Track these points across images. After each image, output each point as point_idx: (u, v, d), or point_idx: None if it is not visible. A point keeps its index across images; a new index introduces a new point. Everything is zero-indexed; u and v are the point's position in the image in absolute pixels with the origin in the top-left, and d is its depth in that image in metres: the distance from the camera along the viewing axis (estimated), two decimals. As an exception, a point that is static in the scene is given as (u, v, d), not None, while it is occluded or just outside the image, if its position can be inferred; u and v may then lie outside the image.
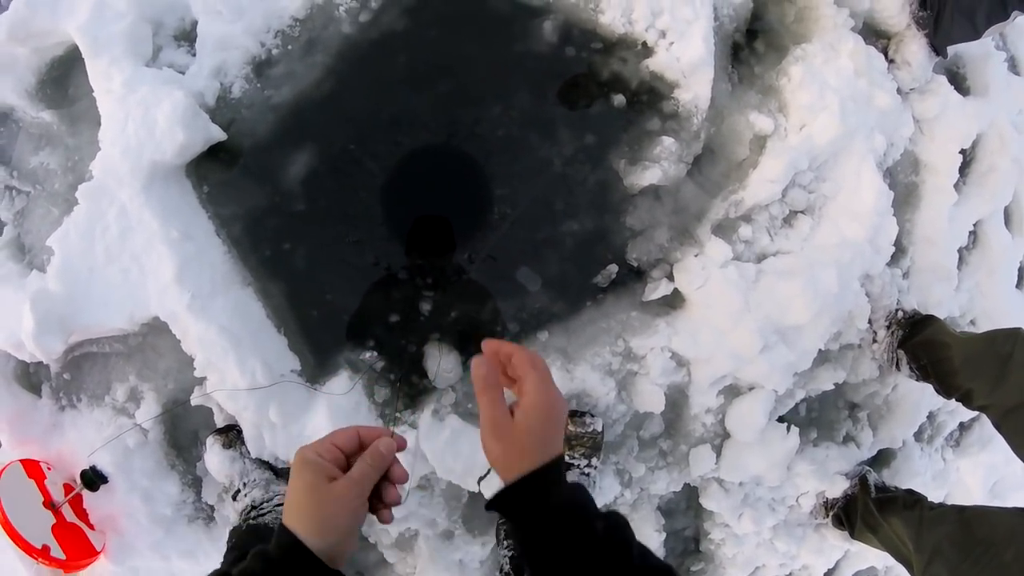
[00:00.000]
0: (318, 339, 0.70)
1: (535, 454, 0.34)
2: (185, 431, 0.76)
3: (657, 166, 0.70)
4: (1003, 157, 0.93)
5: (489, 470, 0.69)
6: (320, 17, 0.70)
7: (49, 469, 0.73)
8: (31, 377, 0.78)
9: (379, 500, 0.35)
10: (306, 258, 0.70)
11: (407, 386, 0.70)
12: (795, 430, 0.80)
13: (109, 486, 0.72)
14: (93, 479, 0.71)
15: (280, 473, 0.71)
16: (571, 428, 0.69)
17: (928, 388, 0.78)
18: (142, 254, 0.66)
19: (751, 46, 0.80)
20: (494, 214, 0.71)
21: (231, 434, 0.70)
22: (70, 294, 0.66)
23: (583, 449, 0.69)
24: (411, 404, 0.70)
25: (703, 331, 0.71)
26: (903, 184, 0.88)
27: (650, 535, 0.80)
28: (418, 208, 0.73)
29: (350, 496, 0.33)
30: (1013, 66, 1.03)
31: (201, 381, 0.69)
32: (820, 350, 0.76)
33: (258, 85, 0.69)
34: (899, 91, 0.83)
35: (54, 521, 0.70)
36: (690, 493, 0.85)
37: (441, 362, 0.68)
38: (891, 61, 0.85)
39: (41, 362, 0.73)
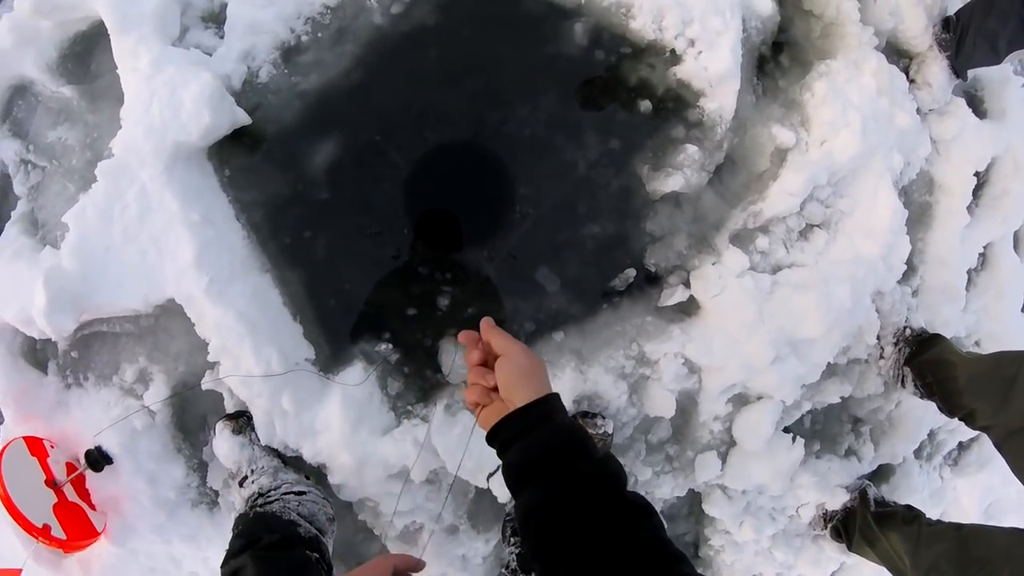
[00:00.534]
0: (334, 329, 0.70)
1: (526, 391, 0.37)
2: (193, 415, 0.76)
3: (680, 173, 0.71)
4: (1016, 181, 0.95)
5: (499, 467, 0.69)
6: (351, 6, 0.70)
7: (52, 447, 0.73)
8: (38, 354, 0.77)
9: None
10: (326, 247, 0.70)
11: (420, 380, 0.70)
12: (800, 441, 0.81)
13: (113, 467, 0.72)
14: (98, 459, 0.71)
15: (288, 462, 0.71)
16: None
17: (930, 406, 0.80)
18: (161, 235, 0.66)
19: (776, 59, 0.81)
20: (516, 213, 0.72)
21: (241, 420, 0.70)
22: (84, 272, 0.66)
23: (592, 450, 0.70)
24: (424, 398, 0.70)
25: (717, 339, 0.72)
26: (917, 203, 0.89)
27: (651, 539, 0.81)
28: (441, 203, 0.74)
29: None
30: (1031, 91, 1.05)
31: (212, 365, 0.69)
32: (829, 363, 0.78)
33: (285, 71, 0.69)
34: (918, 111, 0.85)
35: (55, 500, 0.69)
36: (693, 499, 0.86)
37: (456, 357, 0.69)
38: (912, 81, 0.86)
39: (49, 339, 0.73)
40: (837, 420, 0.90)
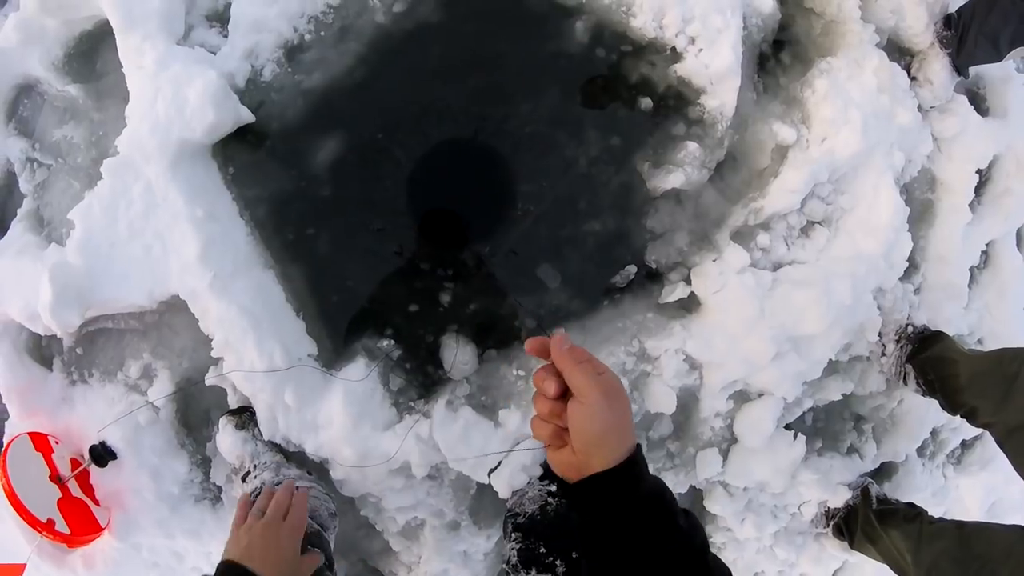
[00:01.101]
0: (336, 325, 0.71)
1: (611, 446, 0.32)
2: (197, 411, 0.77)
3: (680, 170, 0.71)
4: (1019, 179, 0.95)
5: (499, 462, 0.70)
6: (354, 5, 0.71)
7: (57, 443, 0.74)
8: (43, 350, 0.78)
9: None
10: (328, 244, 0.71)
11: (422, 376, 0.71)
12: (801, 438, 0.81)
13: (117, 462, 0.73)
14: (102, 454, 0.72)
15: (291, 457, 0.72)
16: (583, 425, 0.70)
17: (933, 404, 0.80)
18: (165, 232, 0.67)
19: (777, 57, 0.82)
20: (518, 210, 0.72)
21: (244, 415, 0.71)
22: (90, 268, 0.67)
23: (594, 447, 0.70)
24: (425, 394, 0.71)
25: (717, 336, 0.72)
26: (919, 201, 0.89)
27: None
28: (443, 200, 0.74)
29: (290, 538, 0.39)
30: (1034, 89, 1.05)
31: (216, 361, 0.70)
32: (830, 360, 0.78)
33: (289, 69, 0.70)
34: (920, 109, 0.85)
35: (60, 495, 0.70)
36: (694, 496, 0.86)
37: (458, 353, 0.69)
38: (913, 79, 0.86)
39: (53, 335, 0.73)
40: (839, 417, 0.90)
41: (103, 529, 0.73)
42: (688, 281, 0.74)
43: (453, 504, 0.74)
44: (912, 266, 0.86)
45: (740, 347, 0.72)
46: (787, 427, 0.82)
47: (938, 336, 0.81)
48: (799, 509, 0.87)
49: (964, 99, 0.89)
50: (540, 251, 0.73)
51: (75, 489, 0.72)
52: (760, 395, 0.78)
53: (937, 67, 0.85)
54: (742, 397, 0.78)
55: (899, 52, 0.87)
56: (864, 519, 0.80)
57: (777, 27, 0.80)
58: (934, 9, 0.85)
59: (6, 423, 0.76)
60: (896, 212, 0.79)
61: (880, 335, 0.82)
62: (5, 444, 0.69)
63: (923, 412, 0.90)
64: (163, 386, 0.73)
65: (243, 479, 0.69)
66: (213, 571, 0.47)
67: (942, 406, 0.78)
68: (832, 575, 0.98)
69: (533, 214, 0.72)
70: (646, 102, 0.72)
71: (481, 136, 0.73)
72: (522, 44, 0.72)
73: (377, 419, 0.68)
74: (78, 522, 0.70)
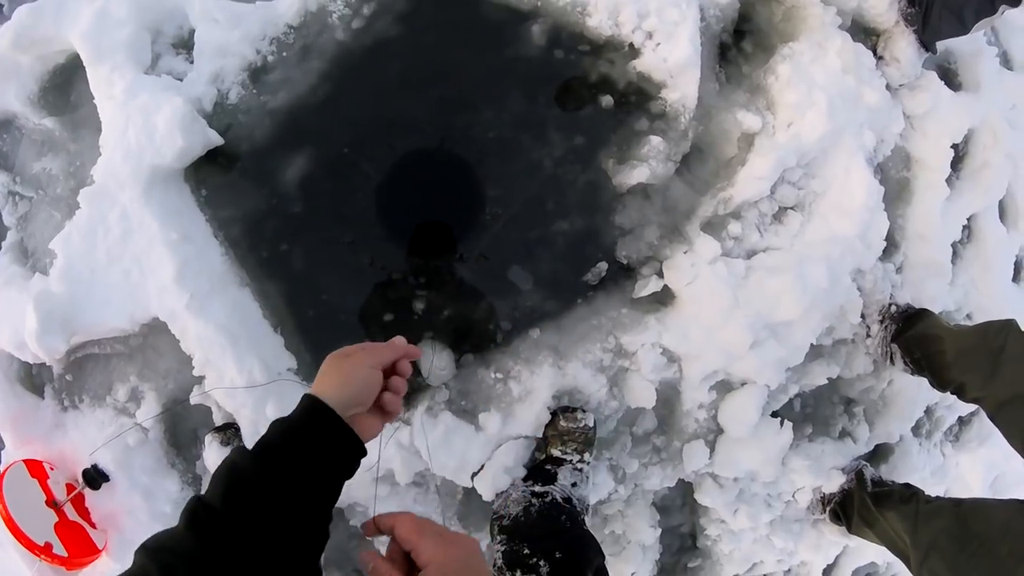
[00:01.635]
0: (314, 338, 0.72)
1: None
2: (185, 430, 0.78)
3: (645, 165, 0.72)
4: (996, 152, 0.95)
5: (483, 466, 0.71)
6: (314, 24, 0.73)
7: (52, 469, 0.76)
8: (34, 378, 0.81)
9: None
10: (302, 259, 0.73)
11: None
12: (788, 425, 0.81)
13: (110, 484, 0.75)
14: (95, 477, 0.74)
15: (278, 470, 0.73)
16: (563, 424, 0.71)
17: (924, 383, 0.80)
18: (142, 256, 0.69)
19: (739, 46, 0.83)
20: (486, 214, 0.74)
21: (229, 432, 0.73)
22: (72, 295, 0.69)
23: (575, 444, 0.71)
24: (405, 402, 0.72)
25: (693, 327, 0.73)
26: (895, 180, 0.89)
27: (645, 531, 0.81)
28: (412, 210, 0.76)
29: (364, 361, 0.39)
30: (1006, 61, 1.05)
31: (200, 381, 0.72)
32: (812, 345, 0.78)
33: (254, 91, 0.72)
34: (889, 88, 0.85)
35: (56, 519, 0.72)
36: (685, 489, 0.86)
37: (434, 360, 0.71)
38: (880, 58, 0.87)
39: (44, 363, 0.76)
40: (828, 402, 0.90)
41: (100, 551, 0.75)
42: (660, 275, 0.75)
43: (440, 510, 0.76)
44: (892, 245, 0.87)
45: (717, 337, 0.73)
46: (775, 414, 0.82)
47: (922, 314, 0.81)
48: (793, 496, 0.87)
49: (934, 75, 0.90)
50: (511, 254, 0.74)
51: (71, 513, 0.74)
52: (742, 384, 0.78)
53: (903, 45, 0.85)
54: (724, 387, 0.79)
55: (864, 32, 0.88)
56: (860, 503, 0.80)
57: (737, 16, 0.81)
58: (897, -14, 0.86)
59: (1, 452, 0.78)
60: (869, 192, 0.79)
61: (863, 316, 0.82)
62: (1, 472, 0.71)
63: (915, 391, 0.90)
64: (150, 407, 0.75)
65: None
66: None
67: (931, 384, 0.78)
68: (834, 560, 0.98)
69: (502, 218, 0.73)
70: (607, 100, 0.74)
71: (446, 144, 0.74)
72: (481, 51, 0.74)
73: (359, 429, 0.70)
74: (75, 545, 0.72)
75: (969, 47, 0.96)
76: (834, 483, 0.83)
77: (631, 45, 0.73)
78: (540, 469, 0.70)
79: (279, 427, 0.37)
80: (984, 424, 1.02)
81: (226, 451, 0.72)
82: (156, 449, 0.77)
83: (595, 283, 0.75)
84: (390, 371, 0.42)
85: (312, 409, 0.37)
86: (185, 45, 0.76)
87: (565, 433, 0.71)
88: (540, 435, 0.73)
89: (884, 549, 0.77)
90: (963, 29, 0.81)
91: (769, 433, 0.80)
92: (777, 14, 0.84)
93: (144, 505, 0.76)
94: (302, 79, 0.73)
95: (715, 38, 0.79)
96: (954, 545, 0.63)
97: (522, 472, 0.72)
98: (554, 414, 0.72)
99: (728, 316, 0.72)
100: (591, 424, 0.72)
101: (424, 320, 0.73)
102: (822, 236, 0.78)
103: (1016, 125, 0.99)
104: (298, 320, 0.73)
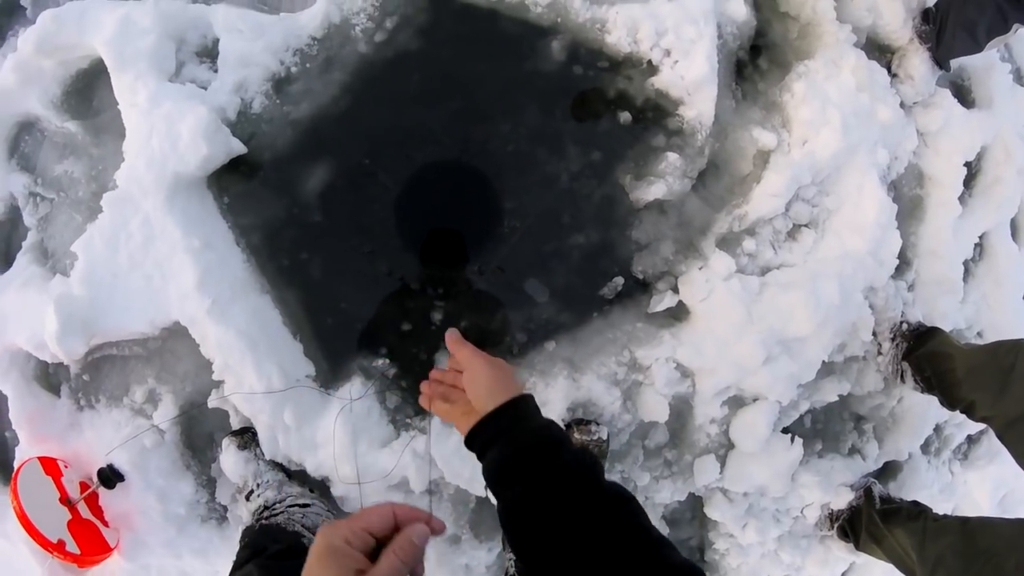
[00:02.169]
0: (332, 346, 0.74)
1: (498, 392, 0.40)
2: (201, 433, 0.80)
3: (662, 181, 0.73)
4: (1008, 168, 0.96)
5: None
6: (337, 36, 0.75)
7: (66, 467, 0.77)
8: (50, 378, 0.82)
9: None
10: (322, 267, 0.74)
11: (417, 393, 0.73)
12: (799, 441, 0.82)
13: (125, 484, 0.76)
14: (110, 477, 0.75)
15: (292, 475, 0.74)
16: (577, 436, 0.72)
17: (933, 401, 0.81)
18: (164, 261, 0.70)
19: (755, 63, 0.84)
20: (503, 227, 0.75)
21: (246, 436, 0.74)
22: (93, 298, 0.71)
23: (588, 456, 0.73)
24: (422, 411, 0.74)
25: (707, 342, 0.74)
26: (907, 197, 0.91)
27: (654, 543, 0.83)
28: (430, 221, 0.77)
29: (339, 563, 0.29)
30: (1019, 77, 1.06)
31: (218, 384, 0.73)
32: (824, 362, 0.79)
33: (277, 101, 0.74)
34: (902, 105, 0.86)
35: (70, 517, 0.73)
36: (695, 503, 0.88)
37: (450, 369, 0.72)
38: (894, 75, 0.88)
39: (61, 363, 0.77)
40: (838, 419, 0.91)
41: (112, 550, 0.76)
42: (676, 290, 0.76)
43: (453, 518, 0.77)
44: (904, 263, 0.88)
45: (730, 353, 0.74)
46: (786, 430, 0.84)
47: (933, 332, 0.83)
48: (802, 512, 0.88)
49: (947, 92, 0.91)
50: (528, 266, 0.75)
51: (85, 511, 0.75)
52: (754, 399, 0.79)
53: (917, 62, 0.87)
54: (736, 402, 0.80)
55: (878, 50, 0.89)
56: (868, 519, 0.81)
57: (753, 33, 0.83)
58: (911, 4, 0.87)
59: (16, 448, 0.80)
60: (882, 210, 0.81)
61: (875, 334, 0.84)
62: (16, 468, 0.72)
63: (924, 409, 0.91)
64: (167, 410, 0.76)
65: (247, 498, 0.72)
66: None
67: (941, 402, 0.79)
68: (840, 577, 0.99)
69: (519, 231, 0.75)
70: (625, 116, 0.75)
71: (465, 157, 0.76)
72: (500, 65, 0.75)
73: (374, 436, 0.71)
74: (88, 543, 0.73)
75: (982, 64, 0.98)
76: (843, 499, 0.85)
77: (649, 62, 0.74)
78: (553, 480, 0.71)
79: None
80: (993, 443, 1.03)
81: (242, 455, 0.72)
82: (172, 451, 0.78)
83: (611, 297, 0.76)
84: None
85: None
86: (209, 54, 0.77)
87: (578, 446, 0.73)
88: (553, 446, 0.74)
89: (891, 567, 0.78)
90: (976, 47, 0.83)
91: (780, 449, 0.81)
92: (793, 31, 0.86)
93: (158, 506, 0.77)
94: (324, 90, 0.74)
95: (732, 55, 0.80)
96: (961, 561, 0.64)
97: (534, 483, 0.73)
98: (568, 426, 0.74)
99: (742, 332, 0.74)
100: (604, 437, 0.73)
101: (441, 330, 0.74)
102: (835, 253, 0.80)
103: (1029, 142, 1.01)
104: (316, 328, 0.74)
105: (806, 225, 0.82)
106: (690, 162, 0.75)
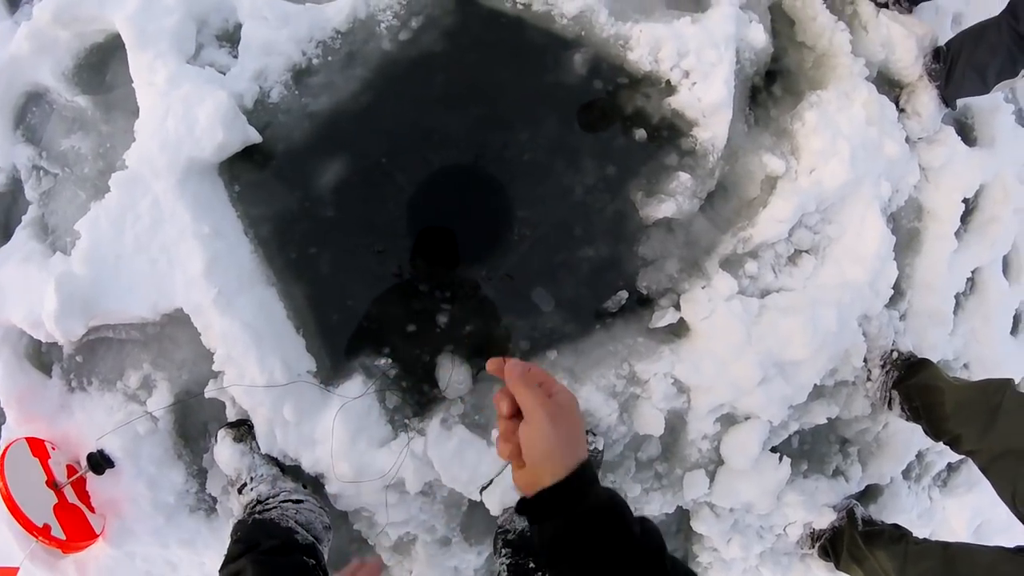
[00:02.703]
0: (335, 343, 0.74)
1: (557, 461, 0.35)
2: (195, 422, 0.79)
3: (672, 200, 0.75)
4: (1005, 207, 1.00)
5: (491, 480, 0.73)
6: (362, 32, 0.74)
7: (54, 449, 0.76)
8: (42, 356, 0.81)
9: None
10: (330, 263, 0.74)
11: (418, 394, 0.74)
12: (786, 460, 0.85)
13: (114, 471, 0.75)
14: (100, 462, 0.74)
15: (287, 470, 0.74)
16: (573, 445, 0.74)
17: (918, 428, 0.84)
18: (172, 246, 0.69)
19: (769, 89, 0.86)
20: (514, 234, 0.76)
21: (242, 428, 0.74)
22: (95, 278, 0.70)
23: (583, 466, 0.73)
24: (421, 412, 0.74)
25: (705, 360, 0.76)
26: (905, 229, 0.94)
27: (640, 554, 0.84)
28: (443, 224, 0.78)
29: None
30: (1021, 118, 1.10)
31: (215, 374, 0.73)
32: (816, 385, 0.82)
33: (296, 92, 0.73)
34: (907, 140, 0.89)
35: (56, 501, 0.72)
36: (681, 516, 0.90)
37: (453, 373, 0.73)
38: (902, 110, 0.91)
39: (54, 342, 0.76)
40: (825, 440, 0.94)
41: (98, 536, 0.75)
42: (678, 307, 0.78)
43: (445, 520, 0.77)
44: (898, 293, 0.91)
45: (727, 371, 0.76)
46: (773, 449, 0.86)
47: (924, 364, 0.85)
48: (785, 530, 0.90)
49: (951, 130, 0.94)
50: (535, 275, 0.76)
51: (71, 496, 0.74)
52: (747, 418, 0.82)
53: (925, 99, 0.90)
54: (729, 420, 0.82)
55: (888, 84, 0.92)
56: (850, 540, 0.83)
57: (769, 60, 0.85)
58: (924, 43, 0.90)
59: (3, 427, 0.79)
60: (882, 241, 0.83)
61: (865, 360, 0.86)
62: (3, 448, 0.71)
63: (908, 436, 0.94)
64: (162, 397, 0.76)
65: (239, 491, 0.71)
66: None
67: (926, 432, 0.82)
68: (818, 595, 1.01)
69: (529, 239, 0.76)
70: (640, 133, 0.77)
71: (481, 162, 0.76)
72: (522, 74, 0.76)
73: (373, 435, 0.71)
74: (73, 528, 0.72)
75: (987, 103, 1.01)
76: (825, 520, 0.87)
77: (668, 82, 0.76)
78: (547, 488, 0.72)
79: None
80: (972, 472, 1.06)
81: (238, 447, 0.72)
82: (165, 439, 0.77)
83: (614, 310, 0.78)
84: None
85: None
86: (229, 38, 0.76)
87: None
88: (549, 454, 0.75)
89: (868, 588, 0.81)
90: (984, 88, 0.85)
91: (768, 467, 0.83)
92: (808, 60, 0.88)
93: (148, 494, 0.76)
94: (344, 85, 0.74)
95: (747, 80, 0.82)
96: None
97: (529, 489, 0.74)
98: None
99: (740, 352, 0.76)
100: (600, 447, 0.74)
101: (445, 333, 0.75)
102: (834, 280, 0.82)
103: (1026, 181, 1.04)
104: (321, 323, 0.74)
105: (807, 251, 0.84)
106: (700, 183, 0.76)
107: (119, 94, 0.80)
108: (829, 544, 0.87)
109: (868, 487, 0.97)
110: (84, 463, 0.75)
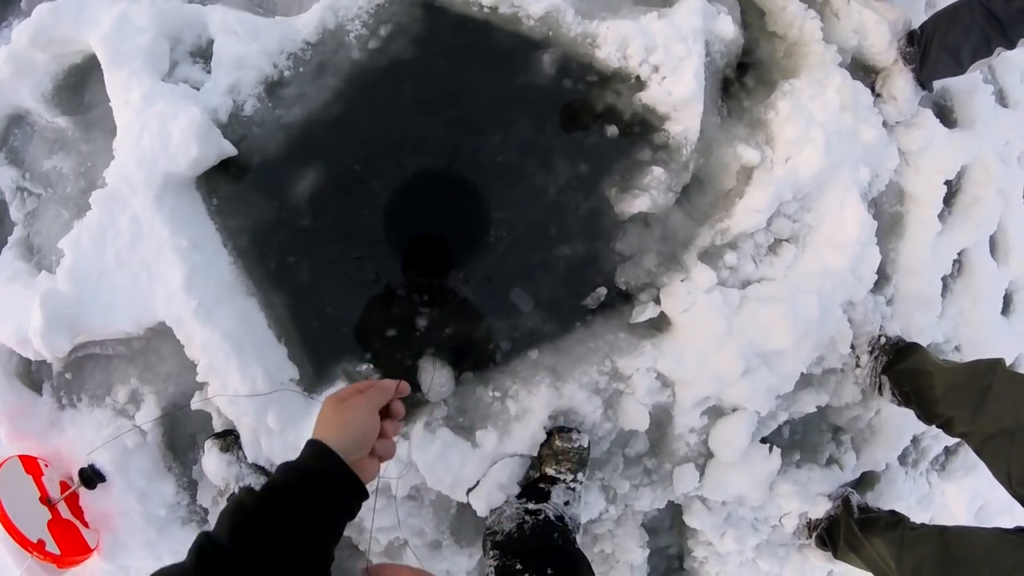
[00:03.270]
0: (317, 350, 0.75)
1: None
2: (183, 434, 0.80)
3: (647, 195, 0.75)
4: (988, 188, 0.99)
5: (478, 482, 0.73)
6: (331, 42, 0.76)
7: (47, 466, 0.78)
8: (32, 375, 0.82)
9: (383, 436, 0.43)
10: (309, 271, 0.75)
11: (400, 399, 0.75)
12: (777, 451, 0.84)
13: (106, 485, 0.76)
14: (91, 477, 0.75)
15: (275, 478, 0.75)
16: (558, 443, 0.74)
17: (911, 413, 0.83)
18: (151, 261, 0.71)
19: (741, 81, 0.87)
20: (491, 236, 0.77)
21: (228, 438, 0.75)
22: (79, 295, 0.71)
23: (569, 464, 0.74)
24: (404, 416, 0.74)
25: (687, 353, 0.76)
26: (888, 214, 0.93)
27: (634, 551, 0.84)
28: (419, 228, 0.78)
29: (362, 405, 0.42)
30: (1001, 98, 1.10)
31: (201, 386, 0.74)
32: (802, 374, 0.82)
33: (269, 104, 0.75)
34: (885, 124, 0.89)
35: (50, 517, 0.73)
36: (674, 511, 0.90)
37: (435, 376, 0.73)
38: (878, 95, 0.91)
39: (43, 360, 0.78)
40: (816, 429, 0.93)
41: (92, 551, 0.76)
42: (658, 301, 0.78)
43: (434, 524, 0.78)
44: (883, 278, 0.91)
45: (710, 364, 0.76)
46: (764, 440, 0.86)
47: (913, 348, 0.85)
48: (780, 521, 0.90)
49: (929, 112, 0.94)
50: (513, 276, 0.77)
51: (65, 511, 0.75)
52: (733, 410, 0.81)
53: (901, 83, 0.89)
54: (716, 412, 0.82)
55: (863, 70, 0.92)
56: (846, 528, 0.82)
57: (740, 52, 0.85)
58: (896, 27, 0.90)
59: (-4, 447, 0.80)
60: (863, 226, 0.83)
61: (853, 347, 0.86)
62: None
63: (901, 421, 0.93)
64: (150, 410, 0.77)
65: (228, 500, 0.73)
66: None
67: (918, 416, 0.81)
68: (817, 585, 1.01)
69: (506, 240, 0.76)
70: (612, 130, 0.77)
71: (454, 166, 0.77)
72: (492, 77, 0.77)
73: (357, 440, 0.72)
74: (68, 543, 0.73)
75: (965, 85, 1.01)
76: (820, 509, 0.87)
77: (638, 77, 0.76)
78: (534, 487, 0.72)
79: (288, 471, 0.39)
80: (969, 455, 1.05)
81: (225, 457, 0.74)
82: (154, 452, 0.78)
83: (594, 307, 0.78)
84: (384, 413, 0.44)
85: (319, 455, 0.39)
86: (203, 54, 0.78)
87: (560, 453, 0.73)
88: (535, 454, 0.75)
89: (869, 574, 0.80)
90: (960, 69, 0.85)
91: (758, 458, 0.83)
92: (779, 50, 0.88)
93: (139, 507, 0.77)
94: (316, 95, 0.75)
95: (718, 73, 0.83)
96: (938, 570, 0.65)
97: (516, 489, 0.74)
98: (550, 434, 0.75)
99: (722, 344, 0.76)
100: (585, 445, 0.74)
101: (426, 337, 0.75)
102: (815, 268, 0.82)
103: (1008, 161, 1.04)
104: (302, 331, 0.75)
105: (787, 240, 0.84)
106: (675, 176, 0.77)
107: (98, 113, 0.81)
108: (826, 533, 0.86)
109: (865, 475, 0.97)
110: (76, 478, 0.76)
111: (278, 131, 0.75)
